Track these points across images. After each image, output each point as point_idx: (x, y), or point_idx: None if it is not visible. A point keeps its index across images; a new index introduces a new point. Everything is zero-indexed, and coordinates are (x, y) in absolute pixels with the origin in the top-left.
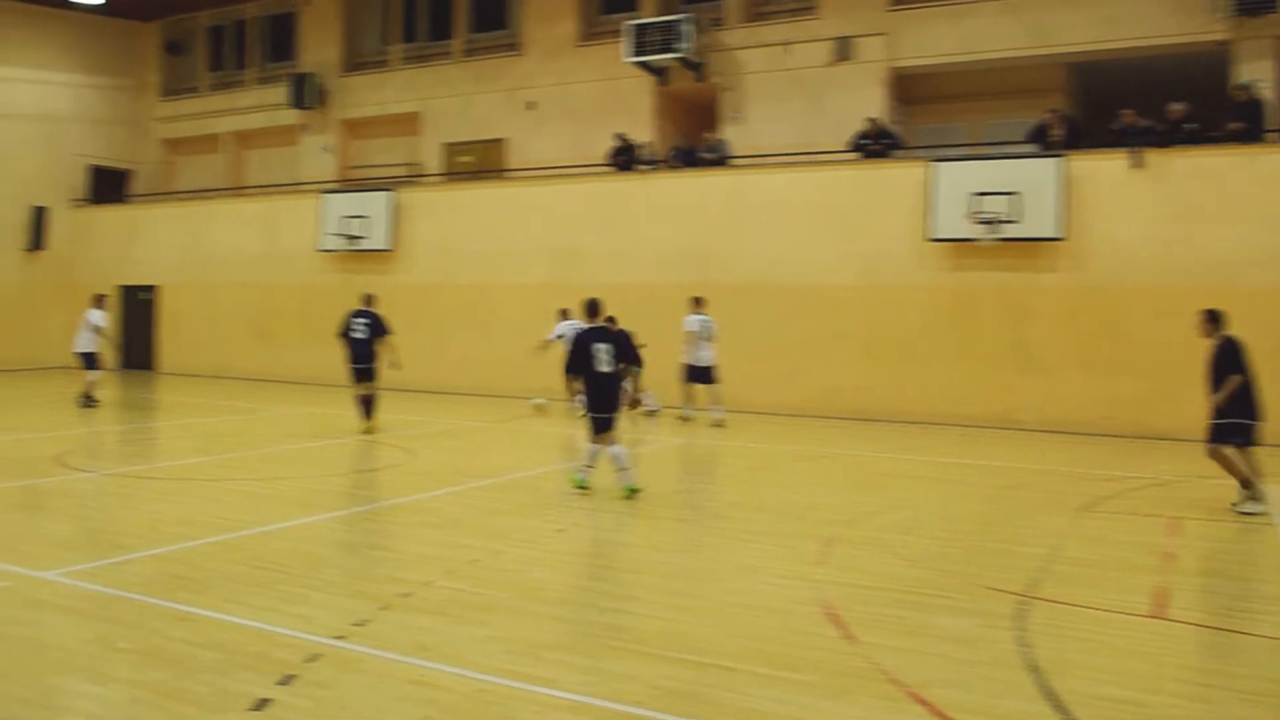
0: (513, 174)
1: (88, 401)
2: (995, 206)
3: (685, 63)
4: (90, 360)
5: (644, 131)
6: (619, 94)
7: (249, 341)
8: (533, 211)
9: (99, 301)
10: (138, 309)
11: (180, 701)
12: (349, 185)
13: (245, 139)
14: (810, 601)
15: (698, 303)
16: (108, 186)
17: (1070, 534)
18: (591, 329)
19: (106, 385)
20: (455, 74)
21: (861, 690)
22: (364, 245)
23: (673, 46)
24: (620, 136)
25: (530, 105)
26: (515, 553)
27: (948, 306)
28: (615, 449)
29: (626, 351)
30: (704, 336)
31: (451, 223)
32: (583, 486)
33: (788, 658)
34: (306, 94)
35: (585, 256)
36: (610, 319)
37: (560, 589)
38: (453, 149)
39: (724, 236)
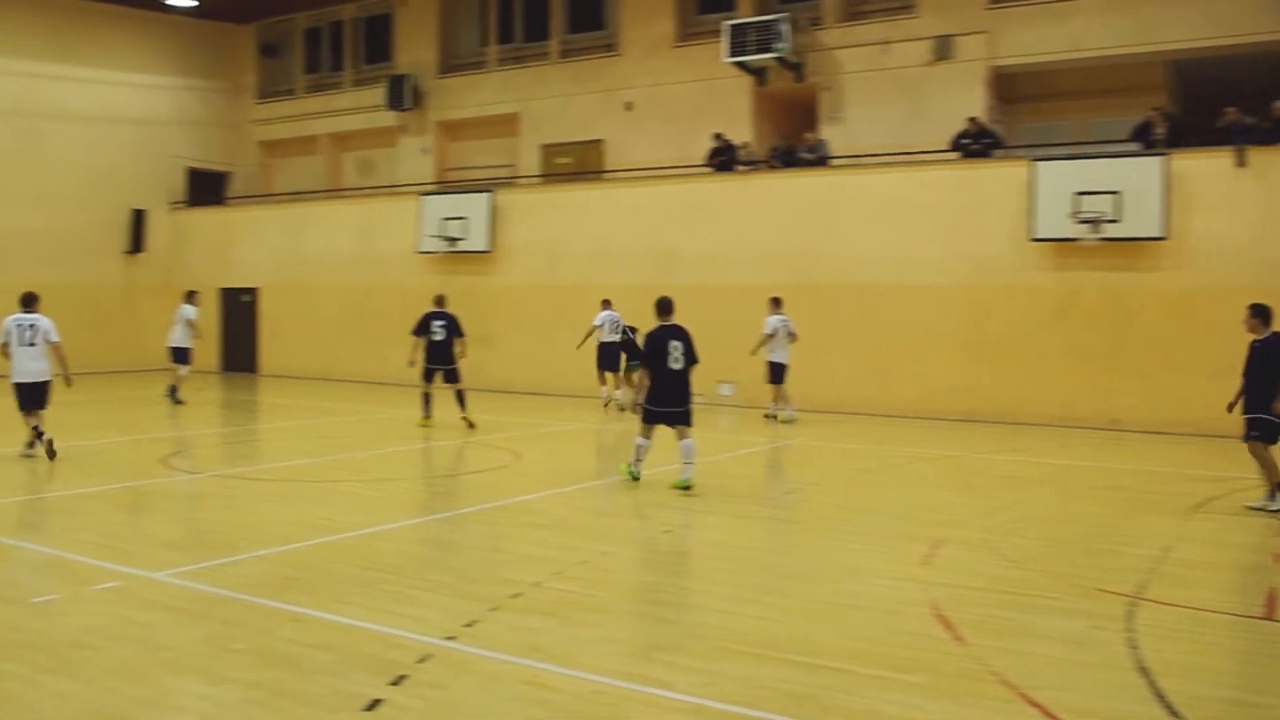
0: (611, 175)
1: (175, 396)
2: (1098, 206)
3: (783, 62)
4: (181, 355)
5: (742, 132)
6: (716, 94)
7: (350, 343)
8: (631, 212)
9: (191, 297)
10: (239, 311)
11: (294, 701)
12: (447, 187)
13: (342, 140)
14: (918, 603)
15: (776, 303)
16: (206, 189)
17: (1180, 535)
18: (665, 326)
19: (210, 388)
20: (553, 75)
21: (973, 692)
22: (463, 247)
23: (771, 46)
24: (719, 137)
25: (628, 106)
26: (624, 554)
27: (1050, 306)
28: (686, 442)
29: (693, 350)
30: (783, 337)
31: (550, 224)
32: (635, 477)
33: (898, 659)
34: (403, 95)
35: (683, 257)
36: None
37: (670, 590)
38: (551, 150)
39: (822, 237)
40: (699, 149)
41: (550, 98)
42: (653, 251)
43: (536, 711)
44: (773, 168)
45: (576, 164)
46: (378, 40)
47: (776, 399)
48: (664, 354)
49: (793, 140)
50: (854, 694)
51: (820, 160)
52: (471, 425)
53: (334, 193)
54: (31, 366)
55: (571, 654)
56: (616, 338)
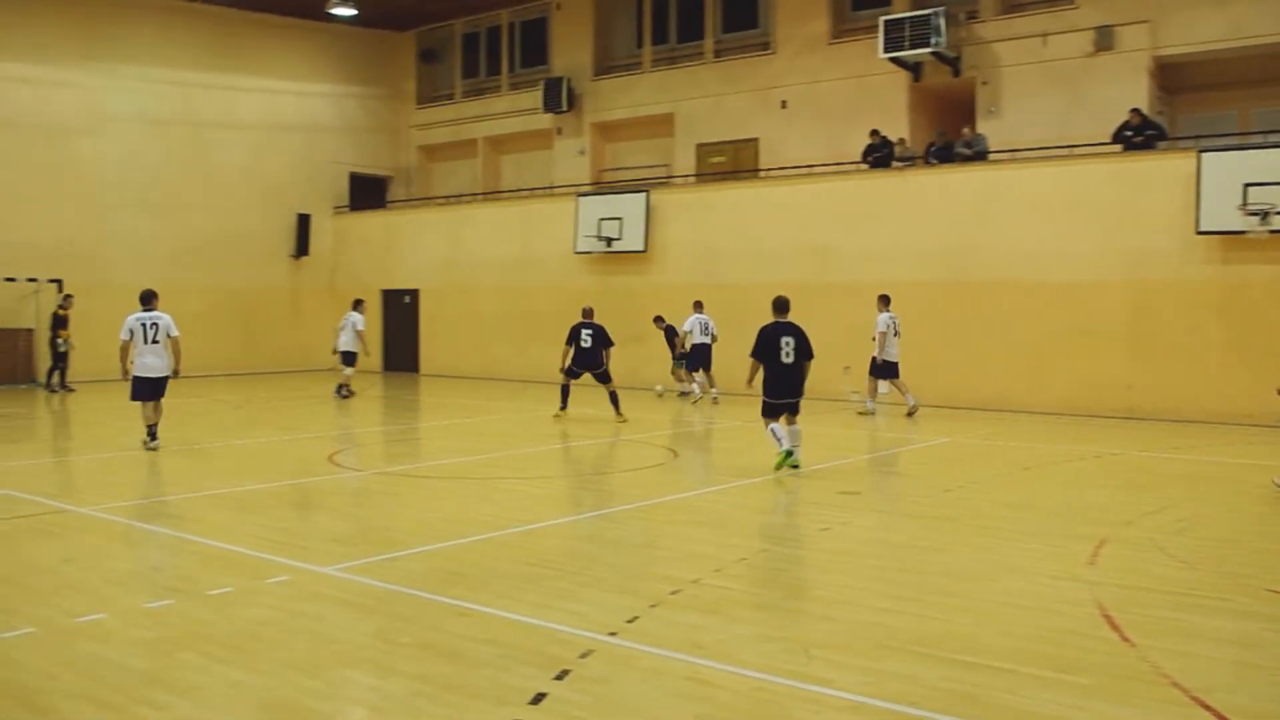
0: (765, 174)
1: (345, 392)
2: (1267, 197)
3: (940, 57)
4: (349, 358)
5: (898, 128)
6: (872, 91)
7: (508, 342)
8: (785, 211)
9: (358, 306)
10: (400, 312)
11: (461, 695)
12: (603, 187)
13: (499, 143)
14: (1084, 603)
15: (885, 301)
16: (368, 193)
17: None
18: (778, 323)
19: (372, 386)
20: (706, 75)
21: (1142, 694)
22: (619, 247)
23: (927, 41)
24: (876, 133)
25: (782, 104)
26: (783, 551)
27: (1217, 301)
28: (793, 428)
29: (808, 345)
30: (894, 333)
31: (706, 223)
32: (795, 465)
33: (1064, 660)
34: (559, 98)
35: (838, 255)
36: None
37: (830, 588)
38: (705, 149)
39: (979, 233)
40: (854, 146)
41: (704, 97)
42: (807, 250)
43: (699, 707)
44: (929, 164)
45: (731, 163)
46: (534, 44)
47: (873, 394)
48: (776, 349)
49: (950, 136)
50: (1018, 694)
51: (978, 155)
52: (623, 420)
53: (492, 195)
54: (155, 362)
55: (732, 651)
56: (707, 339)
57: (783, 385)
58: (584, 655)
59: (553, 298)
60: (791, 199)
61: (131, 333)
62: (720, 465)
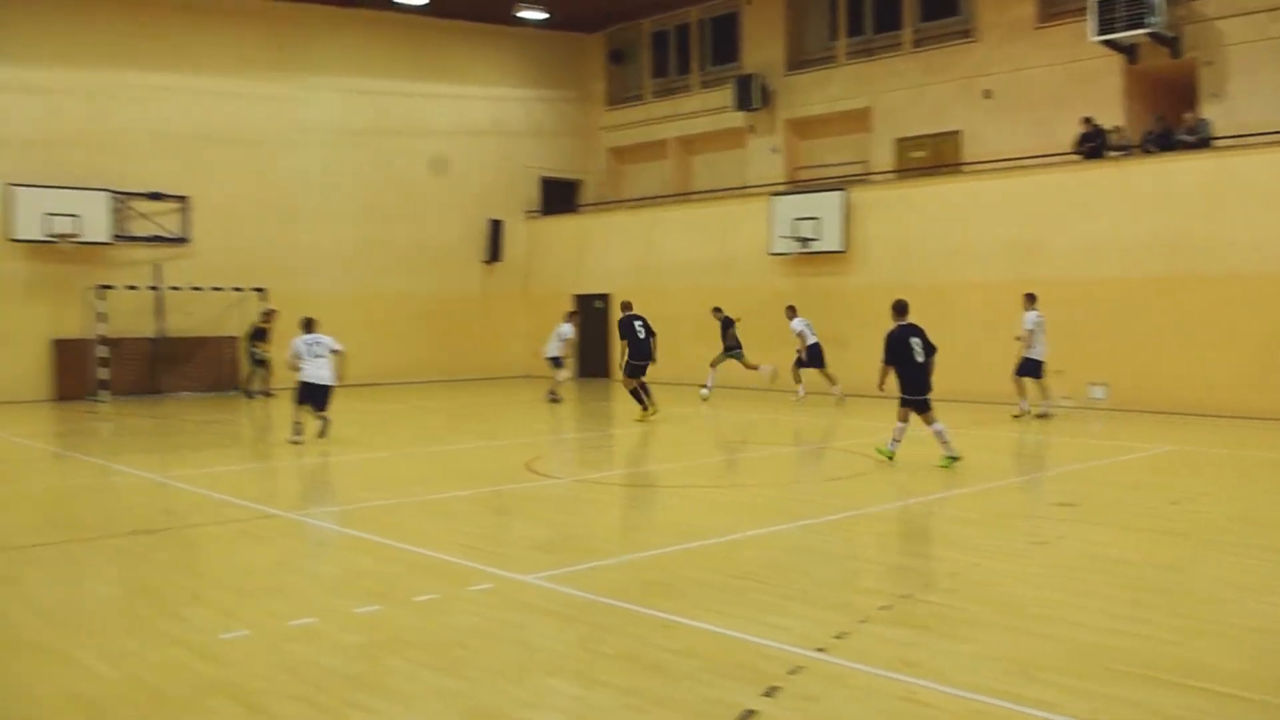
0: (969, 167)
1: (554, 397)
2: None
3: (1157, 38)
4: (558, 363)
5: (1112, 115)
6: (1082, 76)
7: (703, 347)
8: (991, 206)
9: (570, 317)
10: (593, 317)
11: (667, 709)
12: (798, 186)
13: (690, 144)
14: None
15: (1031, 299)
16: (559, 197)
17: None
18: (904, 325)
19: (566, 394)
20: (905, 66)
21: None
22: (815, 247)
23: (1143, 21)
24: (1088, 121)
25: (986, 94)
26: (995, 565)
27: None
28: (936, 426)
29: (929, 341)
30: (1040, 333)
31: (906, 221)
32: (890, 457)
33: None
34: (751, 95)
35: (1048, 251)
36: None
37: (1048, 605)
38: (904, 144)
39: (1204, 225)
40: (1064, 136)
41: (903, 89)
42: (1014, 246)
43: None
44: (1148, 152)
45: (932, 157)
46: (724, 41)
47: (1024, 394)
48: (908, 350)
49: (1169, 122)
50: None
51: (1202, 142)
52: (643, 420)
53: (683, 196)
54: (320, 372)
55: (947, 670)
56: (814, 339)
57: (919, 383)
58: (793, 671)
59: (748, 300)
60: (997, 194)
61: (298, 354)
62: (925, 475)
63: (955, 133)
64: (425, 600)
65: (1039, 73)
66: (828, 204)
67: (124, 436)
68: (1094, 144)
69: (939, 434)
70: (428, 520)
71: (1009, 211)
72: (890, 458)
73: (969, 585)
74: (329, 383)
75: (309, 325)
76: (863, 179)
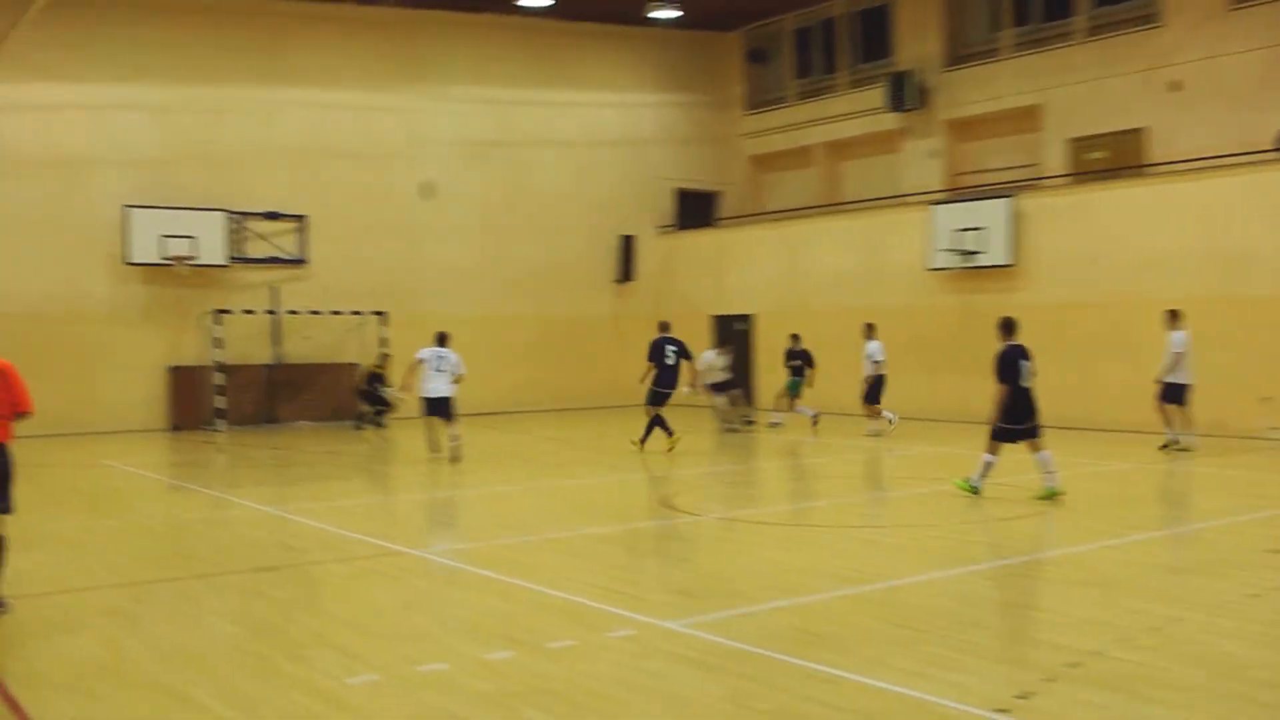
0: (1156, 169)
1: (737, 424)
2: None
3: None
4: (721, 389)
5: None
6: None
7: (854, 372)
8: (1184, 212)
9: (721, 347)
10: (734, 340)
11: None
12: (959, 194)
13: (839, 149)
14: None
15: (1175, 317)
16: (695, 210)
17: None
18: (1015, 345)
19: (705, 422)
20: (1079, 57)
21: None
22: (980, 261)
23: None
24: None
25: (1174, 86)
26: (1201, 620)
27: None
28: (1043, 454)
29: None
30: (1188, 355)
31: (1083, 230)
32: (974, 490)
33: None
34: (906, 94)
35: (1256, 262)
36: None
37: (1269, 668)
38: (1079, 144)
39: None
40: (1265, 131)
41: (1077, 84)
42: (1216, 256)
43: None
44: None
45: (1112, 158)
46: (875, 35)
47: (1172, 423)
48: (1018, 372)
49: None
50: None
51: None
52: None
53: (832, 207)
54: (440, 385)
55: None
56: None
57: (1025, 409)
58: None
59: (905, 321)
60: (1192, 197)
61: (423, 360)
62: (1114, 516)
63: (1138, 130)
64: (560, 646)
65: (1236, 60)
66: (993, 212)
67: (241, 468)
68: None
69: (1045, 462)
70: (560, 559)
71: (1208, 218)
72: (975, 492)
73: (1173, 642)
74: (446, 394)
75: (442, 340)
76: (1032, 184)
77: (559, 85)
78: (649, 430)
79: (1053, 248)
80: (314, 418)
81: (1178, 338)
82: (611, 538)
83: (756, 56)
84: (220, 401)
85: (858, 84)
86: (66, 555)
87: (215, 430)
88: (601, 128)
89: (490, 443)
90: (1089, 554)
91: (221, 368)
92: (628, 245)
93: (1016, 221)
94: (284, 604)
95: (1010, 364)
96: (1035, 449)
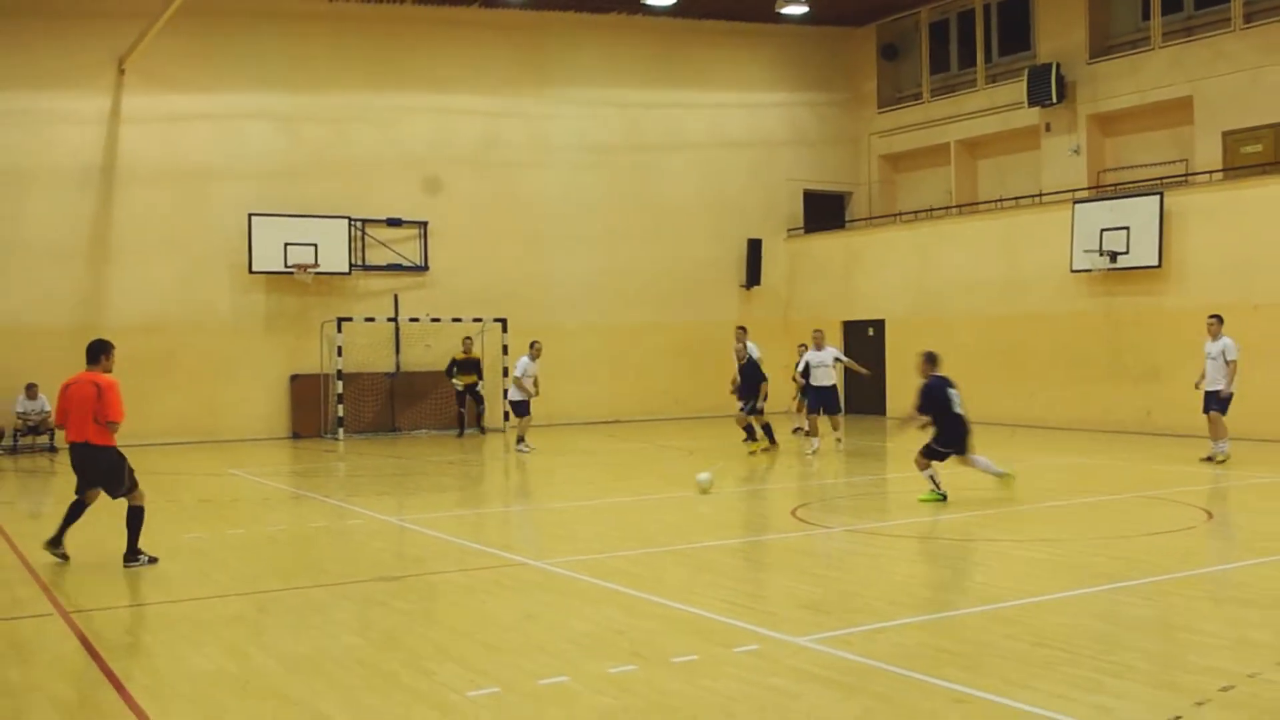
0: None
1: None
2: None
3: None
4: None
5: None
6: None
7: (992, 380)
8: None
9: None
10: (865, 346)
11: None
12: (1104, 191)
13: (975, 147)
14: None
15: (1221, 322)
16: (824, 212)
17: None
18: (939, 377)
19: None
20: (1234, 46)
21: None
22: (1125, 263)
23: None
24: None
25: None
26: None
27: None
28: (978, 460)
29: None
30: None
31: (1238, 229)
32: (943, 498)
33: None
34: (1048, 88)
35: None
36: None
37: None
38: (1235, 138)
39: None
40: None
41: (1232, 74)
42: None
43: None
44: None
45: (1270, 152)
46: (1015, 27)
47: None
48: (946, 400)
49: None
50: None
51: None
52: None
53: (969, 207)
54: (516, 393)
55: None
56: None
57: (958, 433)
58: None
59: (1044, 326)
60: None
61: (524, 372)
62: (1265, 531)
63: None
64: (684, 661)
65: None
66: (1140, 211)
67: (362, 477)
68: None
69: (983, 465)
70: (683, 572)
71: None
72: (944, 498)
73: None
74: (524, 398)
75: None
76: (1183, 181)
77: (685, 86)
78: (763, 435)
79: (1203, 248)
80: (434, 426)
81: (1233, 345)
82: (736, 550)
83: (889, 53)
84: (341, 410)
85: (996, 79)
86: (195, 564)
87: (335, 439)
88: (728, 129)
89: (613, 452)
90: (1243, 571)
91: (342, 376)
92: (755, 250)
93: (1165, 220)
94: (406, 615)
95: (937, 396)
96: (966, 462)
